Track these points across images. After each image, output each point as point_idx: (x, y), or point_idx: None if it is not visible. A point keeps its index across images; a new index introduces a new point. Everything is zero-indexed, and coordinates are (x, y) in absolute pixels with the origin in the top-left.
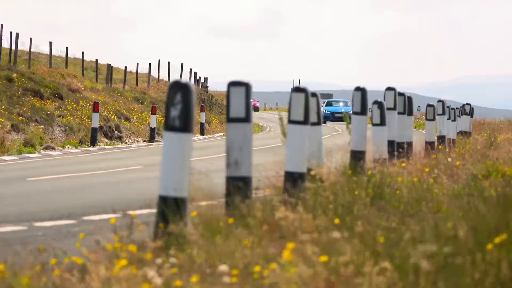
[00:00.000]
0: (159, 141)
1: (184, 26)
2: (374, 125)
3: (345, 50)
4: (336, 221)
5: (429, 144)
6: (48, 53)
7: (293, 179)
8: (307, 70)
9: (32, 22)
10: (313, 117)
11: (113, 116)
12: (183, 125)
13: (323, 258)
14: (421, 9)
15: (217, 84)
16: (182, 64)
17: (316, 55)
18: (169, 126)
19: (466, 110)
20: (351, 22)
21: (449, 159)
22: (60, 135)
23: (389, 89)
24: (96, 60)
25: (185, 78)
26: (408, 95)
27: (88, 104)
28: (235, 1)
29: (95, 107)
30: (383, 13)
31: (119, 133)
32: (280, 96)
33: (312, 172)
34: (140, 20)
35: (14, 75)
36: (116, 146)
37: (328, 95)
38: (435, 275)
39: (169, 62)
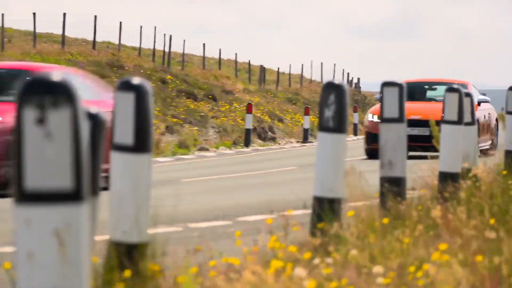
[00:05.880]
0: (312, 142)
1: (327, 27)
2: None
3: (491, 50)
4: (492, 221)
5: None
6: (201, 54)
7: (447, 179)
8: (456, 70)
9: (183, 25)
10: (467, 117)
11: (266, 117)
12: (337, 125)
13: (479, 258)
14: None
15: (369, 85)
16: (334, 65)
17: (462, 54)
18: (323, 127)
19: None
20: (494, 21)
21: None
22: (214, 136)
23: None
24: (249, 61)
25: (338, 79)
26: None
27: (241, 105)
28: (377, 1)
29: (249, 108)
30: None
31: (272, 134)
32: None
33: (467, 172)
34: (284, 22)
35: (168, 77)
36: (270, 147)
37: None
38: None
39: (321, 63)
